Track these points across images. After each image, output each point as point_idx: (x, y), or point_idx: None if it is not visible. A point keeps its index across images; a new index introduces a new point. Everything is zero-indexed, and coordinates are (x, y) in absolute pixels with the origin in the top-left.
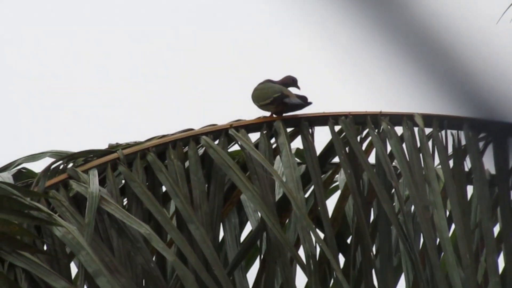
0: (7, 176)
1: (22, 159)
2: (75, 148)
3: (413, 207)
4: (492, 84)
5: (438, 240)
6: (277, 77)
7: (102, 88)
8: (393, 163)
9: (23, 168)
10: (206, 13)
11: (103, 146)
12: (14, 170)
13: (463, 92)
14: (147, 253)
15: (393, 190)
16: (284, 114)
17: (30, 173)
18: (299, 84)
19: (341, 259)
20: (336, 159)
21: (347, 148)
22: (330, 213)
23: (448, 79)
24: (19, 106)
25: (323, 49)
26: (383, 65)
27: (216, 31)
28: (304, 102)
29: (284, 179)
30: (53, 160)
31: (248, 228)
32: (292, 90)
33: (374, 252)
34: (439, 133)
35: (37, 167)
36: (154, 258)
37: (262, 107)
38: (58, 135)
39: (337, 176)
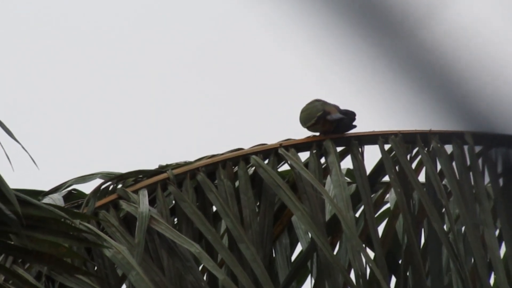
0: (57, 198)
1: (73, 180)
2: (124, 169)
3: (463, 226)
4: None
5: (488, 258)
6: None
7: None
8: (443, 182)
9: (74, 189)
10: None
11: (152, 166)
12: (65, 191)
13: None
14: (197, 272)
15: (443, 209)
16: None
17: (80, 194)
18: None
19: (392, 279)
20: (386, 178)
21: (397, 167)
22: (380, 232)
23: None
24: (68, 128)
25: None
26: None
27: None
28: (346, 116)
29: (334, 199)
30: (103, 181)
31: (298, 249)
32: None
33: (425, 272)
34: (489, 151)
35: (87, 188)
36: (204, 278)
37: (309, 128)
38: (108, 155)
39: (387, 196)
